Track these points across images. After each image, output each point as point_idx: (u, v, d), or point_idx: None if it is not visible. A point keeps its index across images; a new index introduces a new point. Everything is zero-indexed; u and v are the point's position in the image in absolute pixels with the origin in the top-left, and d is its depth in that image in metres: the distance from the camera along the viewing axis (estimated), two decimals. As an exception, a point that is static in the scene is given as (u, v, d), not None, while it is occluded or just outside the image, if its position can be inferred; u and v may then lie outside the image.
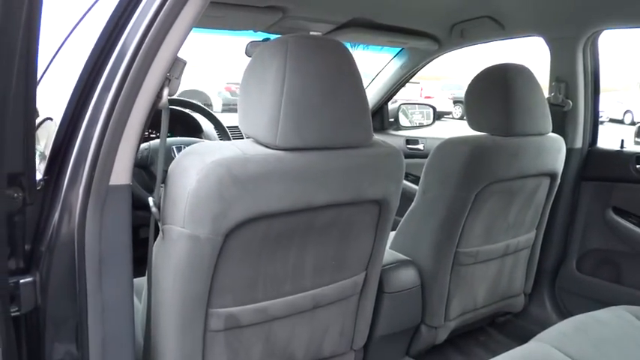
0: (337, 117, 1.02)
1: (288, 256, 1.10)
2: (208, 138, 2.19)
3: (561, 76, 1.81)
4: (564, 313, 1.90)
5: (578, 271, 1.88)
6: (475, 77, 1.55)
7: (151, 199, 0.99)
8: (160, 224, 0.99)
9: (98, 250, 0.87)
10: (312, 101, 0.98)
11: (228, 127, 2.21)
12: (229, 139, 2.06)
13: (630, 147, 1.81)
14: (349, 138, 1.06)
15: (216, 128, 2.19)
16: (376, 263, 1.30)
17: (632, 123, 14.20)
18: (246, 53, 1.92)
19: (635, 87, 18.02)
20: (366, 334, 1.39)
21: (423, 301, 1.57)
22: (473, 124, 1.57)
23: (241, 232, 0.99)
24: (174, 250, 0.98)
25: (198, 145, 1.01)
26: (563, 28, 1.76)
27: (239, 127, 1.06)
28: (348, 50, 1.08)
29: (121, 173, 0.88)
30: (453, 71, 15.91)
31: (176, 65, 0.91)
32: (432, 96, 15.11)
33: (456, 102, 15.63)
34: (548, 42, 1.82)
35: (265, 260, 1.07)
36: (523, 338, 1.92)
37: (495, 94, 1.49)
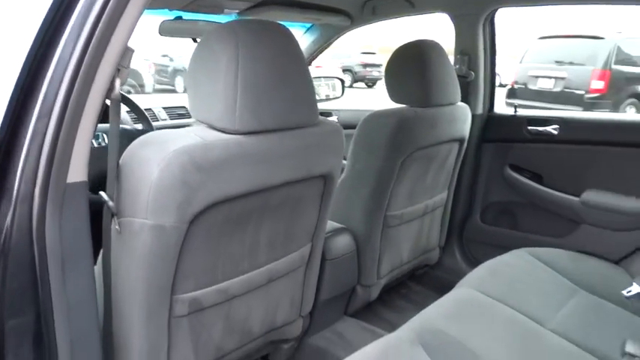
0: (289, 98, 1.06)
1: (245, 236, 1.14)
2: (121, 123, 2.08)
3: (465, 50, 1.99)
4: (472, 261, 2.15)
5: (482, 222, 2.13)
6: (393, 53, 1.66)
7: (103, 193, 0.96)
8: (115, 218, 0.97)
9: (60, 250, 0.84)
10: (266, 85, 1.01)
11: (165, 107, 2.12)
12: (148, 123, 1.98)
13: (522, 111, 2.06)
14: (300, 118, 1.10)
15: (131, 112, 2.08)
16: (320, 234, 1.38)
17: (501, 85, 15.71)
18: (159, 32, 1.85)
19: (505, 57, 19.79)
20: (312, 301, 1.48)
21: (358, 264, 1.70)
22: (394, 97, 1.68)
23: (204, 217, 1.00)
24: (137, 243, 0.96)
25: (153, 135, 1.00)
26: (466, 6, 1.93)
27: (191, 113, 1.05)
28: (291, 32, 1.11)
29: (78, 170, 0.85)
30: (341, 41, 16.23)
31: (125, 54, 0.88)
32: (322, 65, 15.34)
33: (345, 70, 16.06)
34: (453, 18, 1.99)
35: (224, 242, 1.10)
36: (438, 287, 2.15)
37: (413, 69, 1.61)
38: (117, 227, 0.97)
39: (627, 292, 1.58)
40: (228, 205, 1.03)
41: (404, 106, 1.67)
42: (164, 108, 2.19)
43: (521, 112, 2.04)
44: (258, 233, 1.17)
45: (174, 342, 1.10)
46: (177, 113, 2.23)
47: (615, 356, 1.28)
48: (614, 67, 6.73)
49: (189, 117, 2.12)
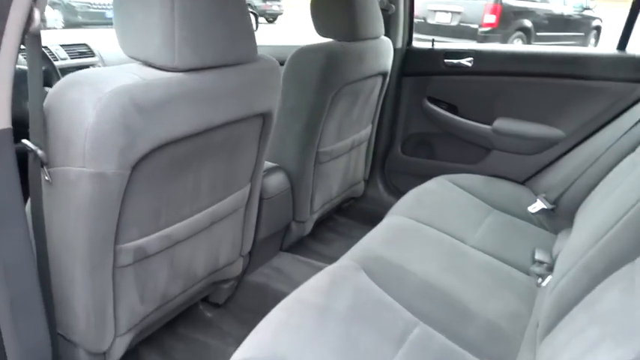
0: (228, 34, 1.00)
1: (187, 180, 1.09)
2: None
3: (385, -18, 1.98)
4: (394, 191, 2.27)
5: (403, 153, 2.23)
6: None
7: (27, 142, 0.85)
8: (45, 168, 0.88)
9: None
10: (204, 18, 0.94)
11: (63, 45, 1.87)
12: (50, 63, 1.76)
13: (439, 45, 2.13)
14: (240, 54, 1.05)
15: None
16: (259, 174, 1.36)
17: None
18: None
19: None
20: (252, 240, 1.48)
21: (293, 201, 1.72)
22: (321, 31, 1.65)
23: (146, 162, 0.95)
24: (74, 193, 0.89)
25: (81, 74, 0.89)
26: None
27: (122, 49, 0.95)
28: None
29: (1, 117, 0.75)
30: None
31: None
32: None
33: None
34: None
35: (167, 187, 1.05)
36: (363, 218, 2.26)
37: (340, 3, 1.58)
38: (47, 178, 0.89)
39: (533, 209, 1.78)
40: (170, 148, 0.98)
41: (331, 40, 1.65)
42: (62, 46, 1.96)
43: (438, 45, 2.11)
44: (200, 176, 1.13)
45: (119, 293, 1.06)
46: (78, 52, 2.00)
47: (527, 264, 1.46)
48: (504, 1, 7.10)
49: (92, 56, 1.91)
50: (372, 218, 2.23)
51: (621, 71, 1.78)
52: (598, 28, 8.34)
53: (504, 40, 7.26)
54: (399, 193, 2.23)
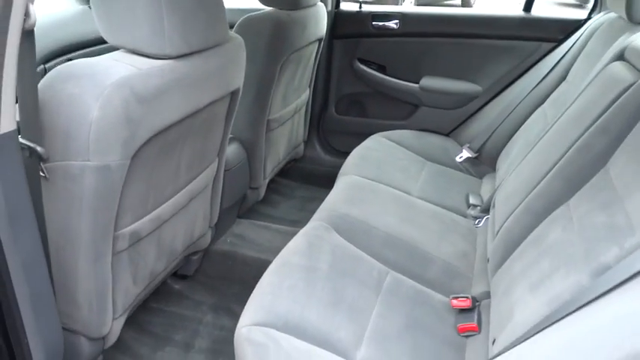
0: (208, 17, 1.02)
1: (170, 162, 1.12)
2: None
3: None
4: (329, 150, 2.39)
5: (337, 114, 2.34)
6: None
7: (23, 140, 0.83)
8: (42, 164, 0.87)
9: (5, 207, 0.75)
10: (189, 5, 0.95)
11: None
12: None
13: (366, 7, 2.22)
14: (218, 35, 1.07)
15: None
16: (225, 148, 1.40)
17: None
18: None
19: None
20: (218, 211, 1.53)
21: (250, 169, 1.77)
22: (264, 0, 1.66)
23: (143, 150, 0.96)
24: (77, 187, 0.89)
25: (76, 66, 0.87)
26: None
27: (105, 37, 0.93)
28: None
29: (8, 118, 0.73)
30: None
31: None
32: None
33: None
34: None
35: (156, 171, 1.07)
36: (303, 177, 2.37)
37: None
38: (43, 174, 0.87)
39: (459, 158, 2.00)
40: (163, 134, 1.00)
41: (273, 9, 1.67)
42: None
43: (365, 8, 2.20)
44: (180, 157, 1.15)
45: (116, 277, 1.08)
46: None
47: (464, 208, 1.67)
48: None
49: None
50: (311, 177, 2.35)
51: (527, 31, 2.01)
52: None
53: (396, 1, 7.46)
54: (335, 152, 2.37)
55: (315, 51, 1.98)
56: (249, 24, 1.61)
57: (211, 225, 1.51)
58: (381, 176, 1.70)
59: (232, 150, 1.67)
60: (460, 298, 1.20)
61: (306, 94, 2.07)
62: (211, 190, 1.44)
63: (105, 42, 0.97)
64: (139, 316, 1.48)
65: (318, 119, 2.34)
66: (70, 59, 1.39)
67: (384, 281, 1.23)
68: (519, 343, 0.69)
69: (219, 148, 1.38)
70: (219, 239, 1.75)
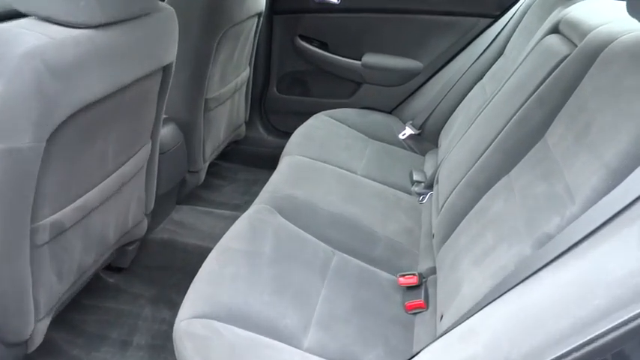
0: None
1: (95, 146, 1.02)
2: None
3: None
4: (272, 131, 2.32)
5: (279, 93, 2.27)
6: None
7: None
8: None
9: None
10: None
11: None
12: None
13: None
14: (144, 4, 0.98)
15: None
16: (158, 129, 1.31)
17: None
18: None
19: None
20: (154, 197, 1.44)
21: (188, 152, 1.68)
22: None
23: (62, 131, 0.87)
24: None
25: None
26: None
27: (14, 3, 0.82)
28: None
29: None
30: None
31: None
32: None
33: None
34: None
35: (78, 156, 0.97)
36: (245, 159, 2.30)
37: None
38: None
39: (402, 135, 2.00)
40: (83, 113, 0.90)
41: None
42: None
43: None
44: (107, 140, 1.06)
45: (37, 274, 0.98)
46: None
47: (408, 185, 1.67)
48: None
49: None
50: (254, 159, 2.28)
51: (465, 7, 2.02)
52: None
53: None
54: (277, 133, 2.30)
55: (255, 26, 1.90)
56: None
57: (147, 212, 1.42)
58: (325, 155, 1.66)
59: (168, 131, 1.57)
60: (407, 276, 1.19)
61: (246, 73, 1.99)
62: (145, 175, 1.35)
63: (17, 16, 0.86)
64: (70, 314, 1.37)
65: (259, 99, 2.27)
66: None
67: (330, 262, 1.20)
68: (467, 318, 0.68)
69: (153, 130, 1.28)
70: (158, 227, 1.66)
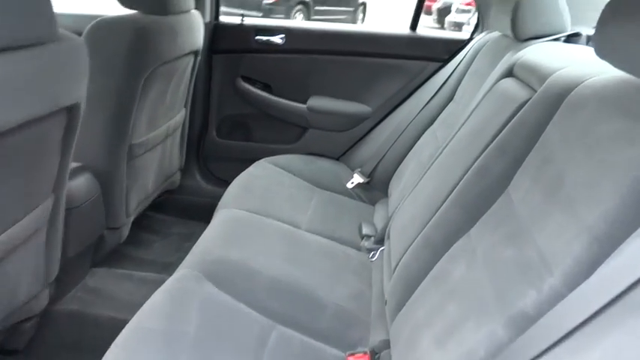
0: (18, 5, 0.74)
1: None
2: None
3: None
4: (211, 179, 2.14)
5: (218, 137, 2.10)
6: None
7: None
8: None
9: None
10: None
11: None
12: None
13: (249, 20, 2.02)
14: (37, 32, 0.80)
15: None
16: (64, 181, 1.10)
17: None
18: None
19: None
20: (58, 262, 1.21)
21: (105, 205, 1.45)
22: (124, 2, 1.40)
23: None
24: None
25: None
26: None
27: None
28: None
29: None
30: None
31: None
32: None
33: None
34: None
35: None
36: (181, 211, 2.09)
37: None
38: None
39: (351, 184, 1.87)
40: None
41: (135, 12, 1.41)
42: None
43: (248, 20, 2.01)
44: None
45: None
46: None
47: (357, 240, 1.52)
48: (283, -24, 7.26)
49: None
50: (191, 211, 2.07)
51: (414, 50, 1.96)
52: (364, 4, 9.28)
53: (287, 13, 7.50)
54: (217, 181, 2.12)
55: (192, 65, 1.74)
56: (103, 28, 1.32)
57: (49, 281, 1.18)
58: (266, 208, 1.49)
59: (81, 183, 1.35)
60: (357, 354, 1.01)
61: (181, 115, 1.81)
62: (46, 237, 1.12)
63: None
64: None
65: (197, 144, 2.08)
66: None
67: (267, 339, 1.01)
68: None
69: (56, 182, 1.07)
70: (66, 296, 1.40)
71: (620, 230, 0.60)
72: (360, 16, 9.23)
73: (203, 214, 1.89)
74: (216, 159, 2.13)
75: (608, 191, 0.64)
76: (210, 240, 1.27)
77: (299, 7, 7.88)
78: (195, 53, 1.71)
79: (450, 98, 1.76)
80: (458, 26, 7.29)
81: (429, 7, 9.27)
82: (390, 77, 1.97)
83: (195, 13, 1.64)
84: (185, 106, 1.85)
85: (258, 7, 7.27)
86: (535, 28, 1.36)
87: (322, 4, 8.14)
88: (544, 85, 0.97)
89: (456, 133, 1.33)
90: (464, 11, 7.50)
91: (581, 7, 1.50)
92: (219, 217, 1.42)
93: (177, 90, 1.68)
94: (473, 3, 1.93)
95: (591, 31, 1.40)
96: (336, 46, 1.98)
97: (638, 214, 0.59)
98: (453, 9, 8.11)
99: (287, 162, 1.84)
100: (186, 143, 1.96)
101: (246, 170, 1.73)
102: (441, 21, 8.56)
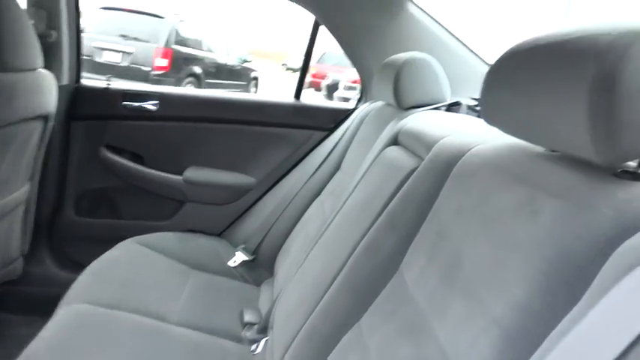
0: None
1: None
2: None
3: (40, 1, 1.55)
4: (67, 264, 1.80)
5: (77, 215, 1.80)
6: None
7: None
8: None
9: None
10: None
11: None
12: None
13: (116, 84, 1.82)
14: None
15: None
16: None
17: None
18: None
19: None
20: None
21: None
22: None
23: None
24: None
25: None
26: None
27: None
28: None
29: None
30: None
31: None
32: None
33: None
34: None
35: None
36: (25, 305, 1.71)
37: None
38: None
39: (233, 263, 1.66)
40: None
41: None
42: None
43: (115, 84, 1.80)
44: None
45: None
46: None
47: (237, 329, 1.31)
48: (174, 46, 7.20)
49: None
50: (39, 305, 1.70)
51: (299, 119, 1.89)
52: (256, 78, 9.47)
53: (177, 84, 7.38)
54: (75, 267, 1.78)
55: (40, 133, 1.48)
56: None
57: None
58: (125, 299, 1.24)
59: None
60: None
61: (23, 191, 1.51)
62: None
63: None
64: None
65: (48, 224, 1.76)
66: None
67: None
68: None
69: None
70: None
71: (535, 324, 0.49)
72: (253, 89, 9.39)
73: (52, 308, 1.55)
74: (75, 240, 1.81)
75: (515, 275, 0.54)
76: (41, 346, 0.99)
77: (189, 79, 7.80)
78: (45, 118, 1.46)
79: (337, 167, 1.68)
80: (346, 101, 7.67)
81: (319, 84, 9.72)
82: (274, 147, 1.86)
83: (45, 73, 1.41)
84: (31, 180, 1.55)
85: (145, 78, 7.06)
86: (415, 97, 1.34)
87: (214, 77, 8.14)
88: (430, 153, 0.90)
89: (344, 203, 1.22)
90: (350, 88, 7.92)
91: (461, 78, 1.53)
92: (59, 315, 1.14)
93: (17, 161, 1.40)
94: (359, 81, 1.93)
95: (470, 101, 1.42)
96: (216, 113, 1.84)
97: (554, 302, 0.49)
98: (341, 86, 8.54)
99: (158, 241, 1.60)
100: (32, 224, 1.63)
101: (106, 253, 1.46)
102: (330, 97, 8.96)
